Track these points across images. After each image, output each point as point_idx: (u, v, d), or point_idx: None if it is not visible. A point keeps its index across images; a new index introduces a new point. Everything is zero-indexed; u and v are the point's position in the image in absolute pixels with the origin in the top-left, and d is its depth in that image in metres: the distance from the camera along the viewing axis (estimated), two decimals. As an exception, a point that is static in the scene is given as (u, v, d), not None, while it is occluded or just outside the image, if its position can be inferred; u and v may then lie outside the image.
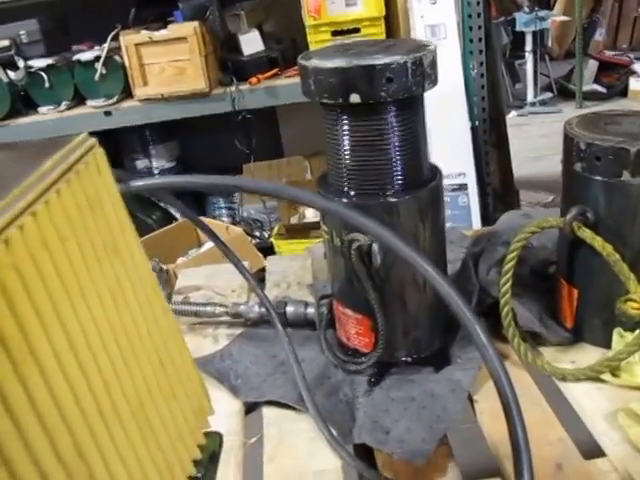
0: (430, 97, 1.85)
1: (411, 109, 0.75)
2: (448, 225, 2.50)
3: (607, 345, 0.84)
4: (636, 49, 5.69)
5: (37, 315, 0.32)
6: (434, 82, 0.75)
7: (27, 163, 0.36)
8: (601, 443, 0.72)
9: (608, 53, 5.21)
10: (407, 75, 0.70)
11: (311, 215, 2.82)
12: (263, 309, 0.99)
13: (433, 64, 0.74)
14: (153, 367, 0.43)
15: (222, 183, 0.64)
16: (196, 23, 2.23)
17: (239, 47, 2.43)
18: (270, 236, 2.77)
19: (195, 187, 0.81)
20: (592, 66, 4.94)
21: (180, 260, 1.95)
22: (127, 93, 2.39)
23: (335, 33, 2.37)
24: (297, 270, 1.20)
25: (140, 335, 0.42)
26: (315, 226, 2.72)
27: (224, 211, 3.02)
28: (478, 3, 2.34)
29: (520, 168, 3.14)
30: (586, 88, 4.78)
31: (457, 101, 2.31)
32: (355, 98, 0.69)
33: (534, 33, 4.38)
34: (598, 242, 0.75)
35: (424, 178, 0.79)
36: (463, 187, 2.33)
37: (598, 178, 0.75)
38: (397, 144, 0.74)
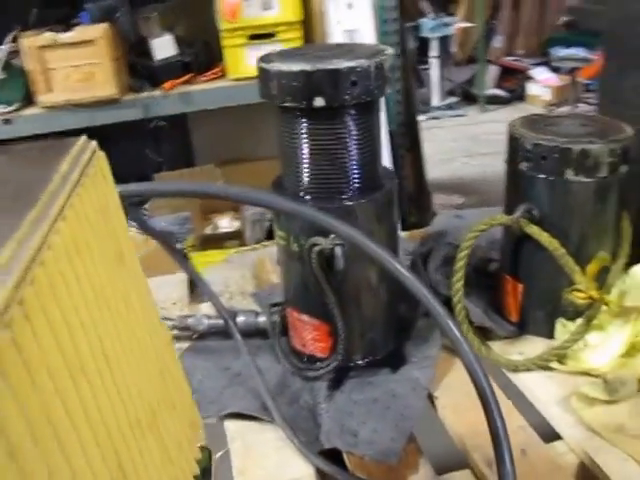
0: None
1: (370, 113, 0.79)
2: None
3: (550, 335, 0.91)
4: (532, 55, 6.07)
5: (65, 322, 0.32)
6: (392, 86, 0.79)
7: (40, 167, 0.36)
8: (557, 427, 0.79)
9: (507, 59, 5.53)
10: (370, 79, 0.73)
11: (226, 225, 2.81)
12: (212, 321, 0.99)
13: (392, 68, 0.78)
14: (157, 377, 0.43)
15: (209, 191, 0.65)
16: (105, 25, 2.17)
17: (150, 51, 2.40)
18: (184, 248, 2.74)
19: (184, 194, 0.81)
20: (493, 71, 5.23)
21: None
22: (29, 100, 2.29)
23: (252, 37, 2.39)
24: (238, 280, 1.21)
25: (146, 344, 0.42)
26: (230, 236, 2.72)
27: (132, 223, 2.94)
28: (393, 8, 2.44)
29: (431, 171, 3.28)
30: (488, 92, 5.06)
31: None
32: (319, 102, 0.71)
33: (439, 39, 4.59)
34: (545, 238, 0.82)
35: (380, 181, 0.83)
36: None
37: (543, 176, 0.81)
38: (356, 147, 0.77)
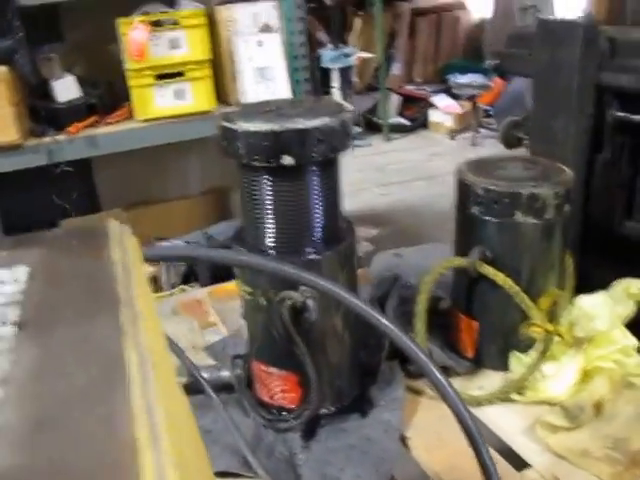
0: None
1: (332, 168, 0.85)
2: None
3: (505, 368, 1.00)
4: (430, 82, 6.42)
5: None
6: (351, 141, 0.86)
7: (92, 257, 0.39)
8: (525, 456, 0.87)
9: (408, 87, 5.82)
10: (335, 136, 0.79)
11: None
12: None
13: (352, 123, 0.85)
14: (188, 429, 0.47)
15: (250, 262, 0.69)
16: (4, 68, 2.14)
17: (52, 93, 2.37)
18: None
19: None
20: (395, 100, 5.49)
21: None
22: None
23: (159, 77, 2.41)
24: (187, 333, 1.23)
25: (176, 395, 0.46)
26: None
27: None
28: (301, 44, 2.54)
29: (345, 204, 3.40)
30: (392, 121, 5.30)
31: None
32: (288, 160, 0.77)
33: (339, 70, 4.77)
34: (500, 278, 0.91)
35: (341, 233, 0.89)
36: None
37: (494, 219, 0.91)
38: (319, 202, 0.83)
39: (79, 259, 0.40)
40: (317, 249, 0.85)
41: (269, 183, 0.81)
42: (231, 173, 3.06)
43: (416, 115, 5.46)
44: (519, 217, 0.89)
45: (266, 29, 2.45)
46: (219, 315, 1.40)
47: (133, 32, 2.30)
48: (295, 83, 2.51)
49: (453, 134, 5.14)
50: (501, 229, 0.91)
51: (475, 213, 0.92)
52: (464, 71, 6.05)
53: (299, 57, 2.53)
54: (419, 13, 6.51)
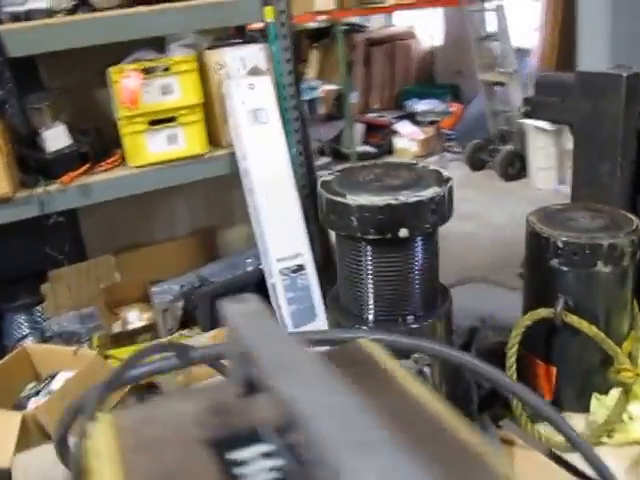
0: (259, 181, 1.99)
1: (433, 236, 0.86)
2: (293, 308, 2.57)
3: (583, 409, 1.02)
4: (387, 109, 6.53)
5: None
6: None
7: (387, 393, 0.39)
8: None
9: (370, 115, 5.91)
10: (444, 205, 0.81)
11: (135, 318, 2.73)
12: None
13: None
14: None
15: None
16: (-4, 120, 2.09)
17: (42, 143, 2.32)
18: (91, 347, 2.62)
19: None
20: (360, 129, 5.56)
21: (32, 404, 1.73)
22: None
23: (152, 123, 2.39)
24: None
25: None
26: (140, 331, 2.63)
27: (26, 328, 2.77)
28: (290, 85, 2.56)
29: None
30: (358, 150, 5.36)
31: (286, 183, 2.48)
32: (403, 233, 0.77)
33: (307, 102, 4.81)
34: (585, 325, 0.93)
35: (439, 299, 0.90)
36: (301, 268, 2.47)
37: (575, 270, 0.94)
38: (422, 270, 0.84)
39: (373, 393, 0.40)
40: (417, 317, 0.86)
41: (375, 254, 0.82)
42: (217, 213, 3.05)
43: (381, 142, 5.54)
44: (600, 266, 0.92)
45: (256, 72, 2.46)
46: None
47: (126, 80, 2.28)
48: (286, 122, 2.52)
49: (419, 159, 5.23)
50: (581, 278, 0.94)
51: (554, 265, 0.95)
52: (421, 97, 6.19)
53: (288, 97, 2.54)
54: (373, 43, 6.65)
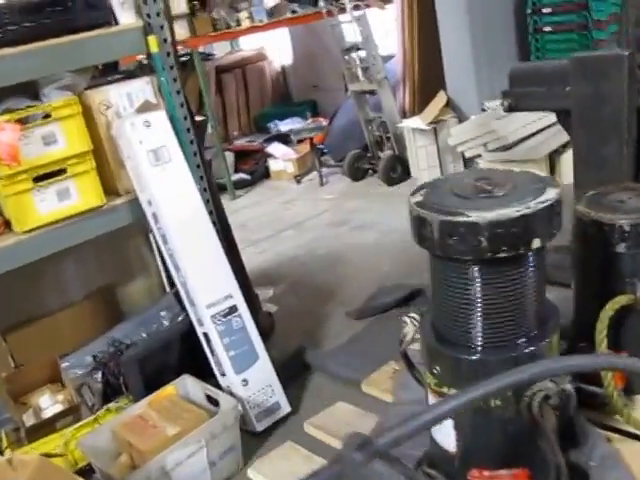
0: (172, 226, 1.82)
1: (544, 248, 0.74)
2: (232, 354, 2.38)
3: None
4: (249, 134, 6.43)
5: None
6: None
7: None
8: None
9: (240, 142, 5.76)
10: (560, 210, 0.69)
11: (48, 402, 2.39)
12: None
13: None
14: None
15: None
16: None
17: None
18: (0, 448, 2.26)
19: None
20: (229, 157, 5.38)
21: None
22: None
23: (37, 179, 2.11)
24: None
25: None
26: (59, 417, 2.30)
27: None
28: (185, 117, 2.37)
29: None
30: (234, 178, 5.19)
31: (201, 223, 2.28)
32: (537, 243, 0.65)
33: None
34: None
35: (546, 315, 0.78)
36: (233, 309, 2.29)
37: (641, 251, 0.87)
38: (535, 285, 0.72)
39: None
40: (530, 340, 0.74)
41: (488, 275, 0.68)
42: (113, 269, 2.73)
43: (254, 168, 5.41)
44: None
45: (147, 107, 2.24)
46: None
47: (0, 134, 1.98)
48: (186, 158, 2.32)
49: (298, 178, 5.17)
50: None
51: (622, 250, 0.88)
52: (280, 117, 6.14)
53: (184, 131, 2.35)
54: (223, 70, 6.52)
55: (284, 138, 5.50)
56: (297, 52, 6.83)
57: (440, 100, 4.42)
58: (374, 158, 4.86)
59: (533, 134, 4.03)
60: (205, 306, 2.20)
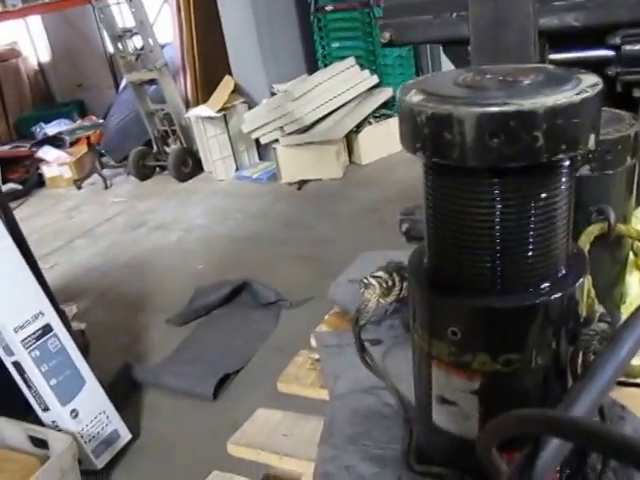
0: None
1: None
2: (53, 382, 2.06)
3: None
4: (10, 141, 5.74)
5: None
6: None
7: None
8: None
9: (3, 149, 5.08)
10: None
11: None
12: None
13: None
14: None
15: None
16: None
17: None
18: None
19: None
20: (-6, 166, 4.74)
21: None
22: None
23: None
24: None
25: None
26: None
27: None
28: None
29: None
30: (3, 188, 4.58)
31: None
32: (592, 140, 0.49)
33: None
34: (634, 232, 0.79)
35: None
36: (47, 329, 1.94)
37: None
38: (567, 208, 0.56)
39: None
40: (559, 279, 0.59)
41: (512, 191, 0.53)
42: None
43: (25, 176, 4.82)
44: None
45: None
46: None
47: None
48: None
49: (78, 183, 4.70)
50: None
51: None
52: (45, 120, 5.55)
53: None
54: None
55: (55, 141, 4.96)
56: (55, 47, 6.24)
57: (227, 85, 4.25)
58: (161, 154, 4.57)
59: (329, 113, 4.04)
60: (12, 330, 1.82)
